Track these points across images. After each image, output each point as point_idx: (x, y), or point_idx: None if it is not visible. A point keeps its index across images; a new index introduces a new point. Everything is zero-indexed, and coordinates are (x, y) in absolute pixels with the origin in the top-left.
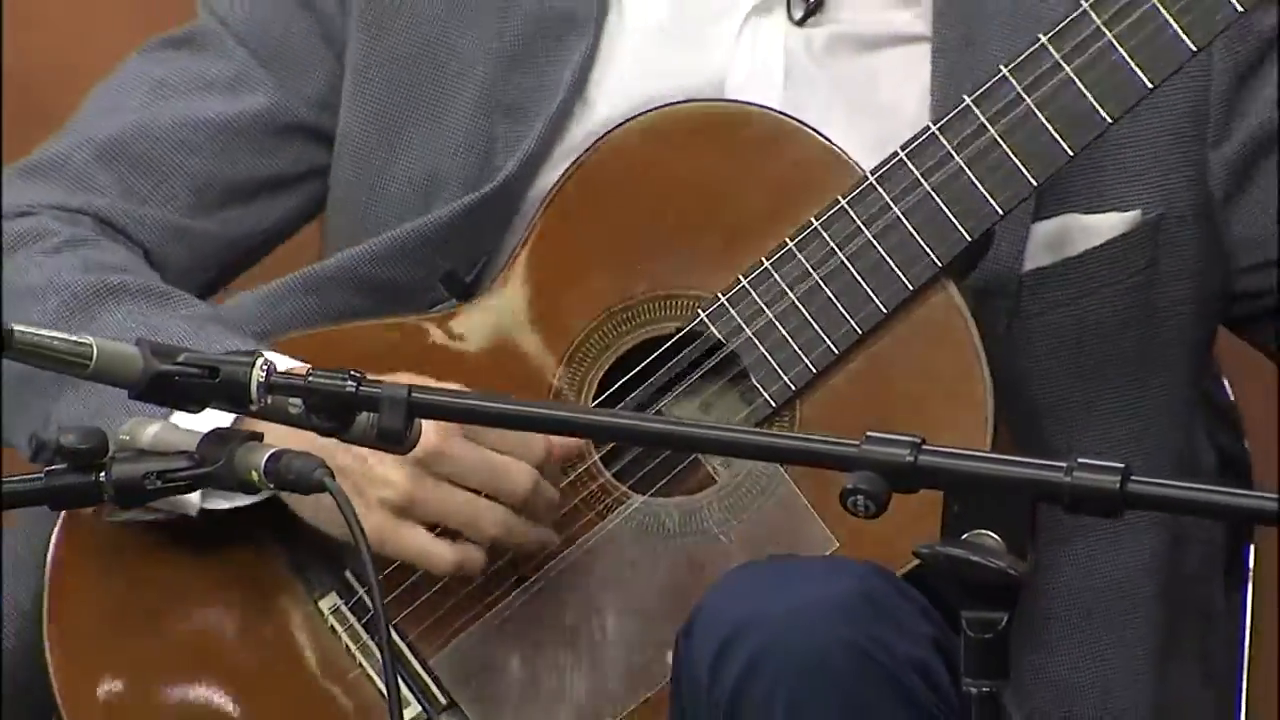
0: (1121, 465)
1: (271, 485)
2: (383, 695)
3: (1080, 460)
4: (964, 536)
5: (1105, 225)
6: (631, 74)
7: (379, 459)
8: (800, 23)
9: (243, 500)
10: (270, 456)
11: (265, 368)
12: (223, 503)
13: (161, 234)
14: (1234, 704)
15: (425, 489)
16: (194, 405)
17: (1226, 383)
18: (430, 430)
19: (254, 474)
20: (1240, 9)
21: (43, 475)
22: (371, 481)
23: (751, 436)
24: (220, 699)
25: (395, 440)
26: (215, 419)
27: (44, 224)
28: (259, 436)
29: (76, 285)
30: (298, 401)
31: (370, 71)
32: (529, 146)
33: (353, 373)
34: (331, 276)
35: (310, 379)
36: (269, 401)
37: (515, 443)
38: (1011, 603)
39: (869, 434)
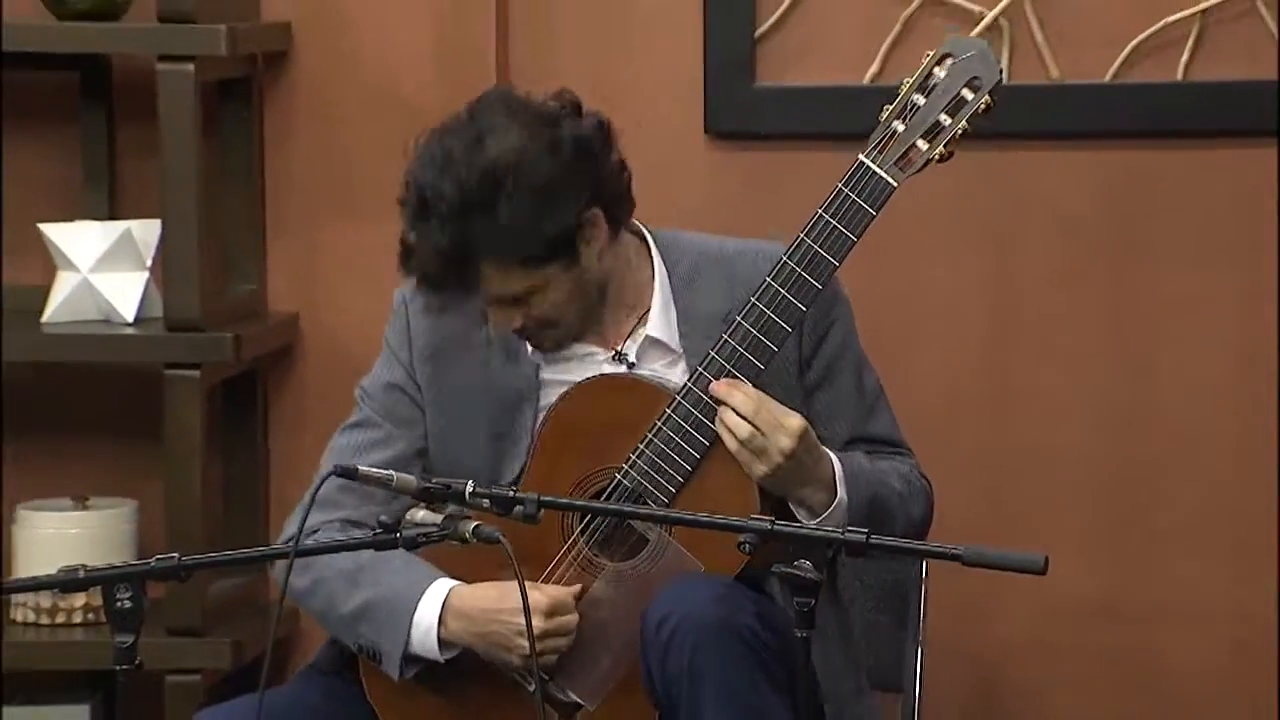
0: (866, 530)
1: (475, 540)
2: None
3: (848, 528)
4: (795, 562)
5: None
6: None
7: (510, 615)
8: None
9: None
10: (475, 527)
11: (471, 488)
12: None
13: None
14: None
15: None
16: (439, 504)
17: None
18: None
19: (466, 535)
20: (833, 271)
21: (370, 535)
22: (513, 630)
23: (691, 516)
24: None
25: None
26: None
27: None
28: (470, 517)
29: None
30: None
31: (433, 431)
32: (517, 469)
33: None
34: None
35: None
36: (471, 501)
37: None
38: (816, 593)
39: (751, 515)
